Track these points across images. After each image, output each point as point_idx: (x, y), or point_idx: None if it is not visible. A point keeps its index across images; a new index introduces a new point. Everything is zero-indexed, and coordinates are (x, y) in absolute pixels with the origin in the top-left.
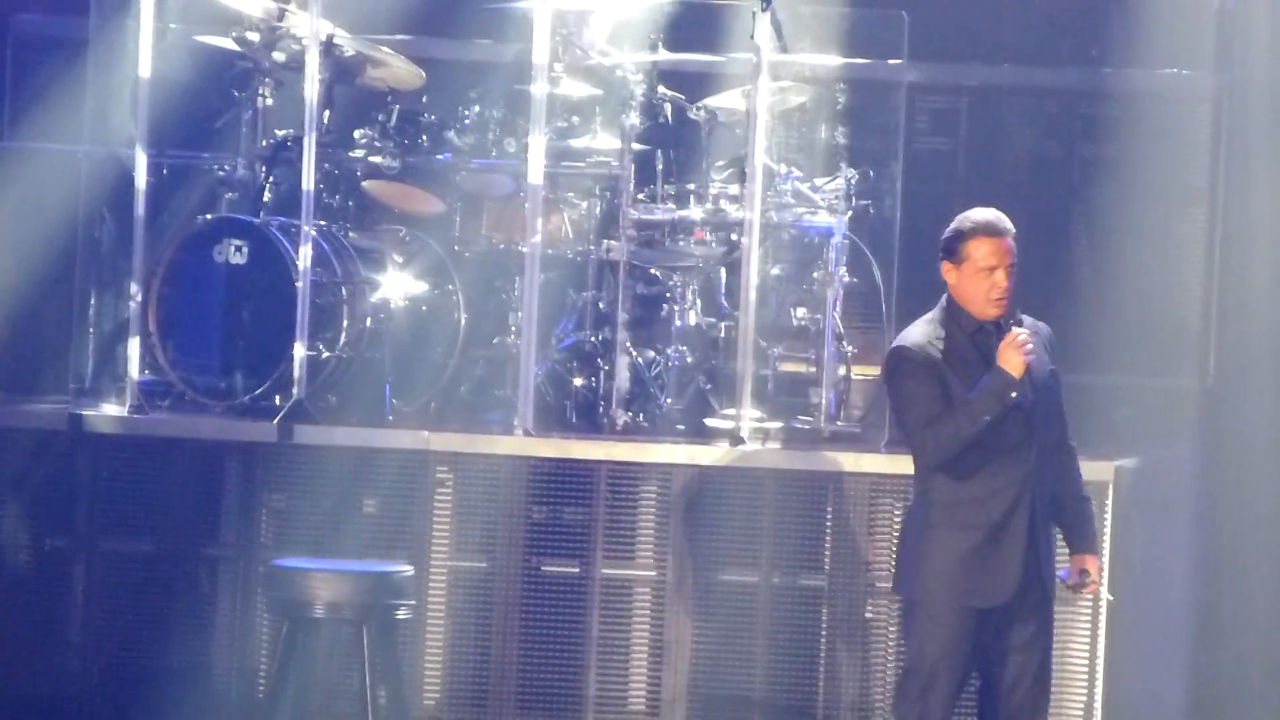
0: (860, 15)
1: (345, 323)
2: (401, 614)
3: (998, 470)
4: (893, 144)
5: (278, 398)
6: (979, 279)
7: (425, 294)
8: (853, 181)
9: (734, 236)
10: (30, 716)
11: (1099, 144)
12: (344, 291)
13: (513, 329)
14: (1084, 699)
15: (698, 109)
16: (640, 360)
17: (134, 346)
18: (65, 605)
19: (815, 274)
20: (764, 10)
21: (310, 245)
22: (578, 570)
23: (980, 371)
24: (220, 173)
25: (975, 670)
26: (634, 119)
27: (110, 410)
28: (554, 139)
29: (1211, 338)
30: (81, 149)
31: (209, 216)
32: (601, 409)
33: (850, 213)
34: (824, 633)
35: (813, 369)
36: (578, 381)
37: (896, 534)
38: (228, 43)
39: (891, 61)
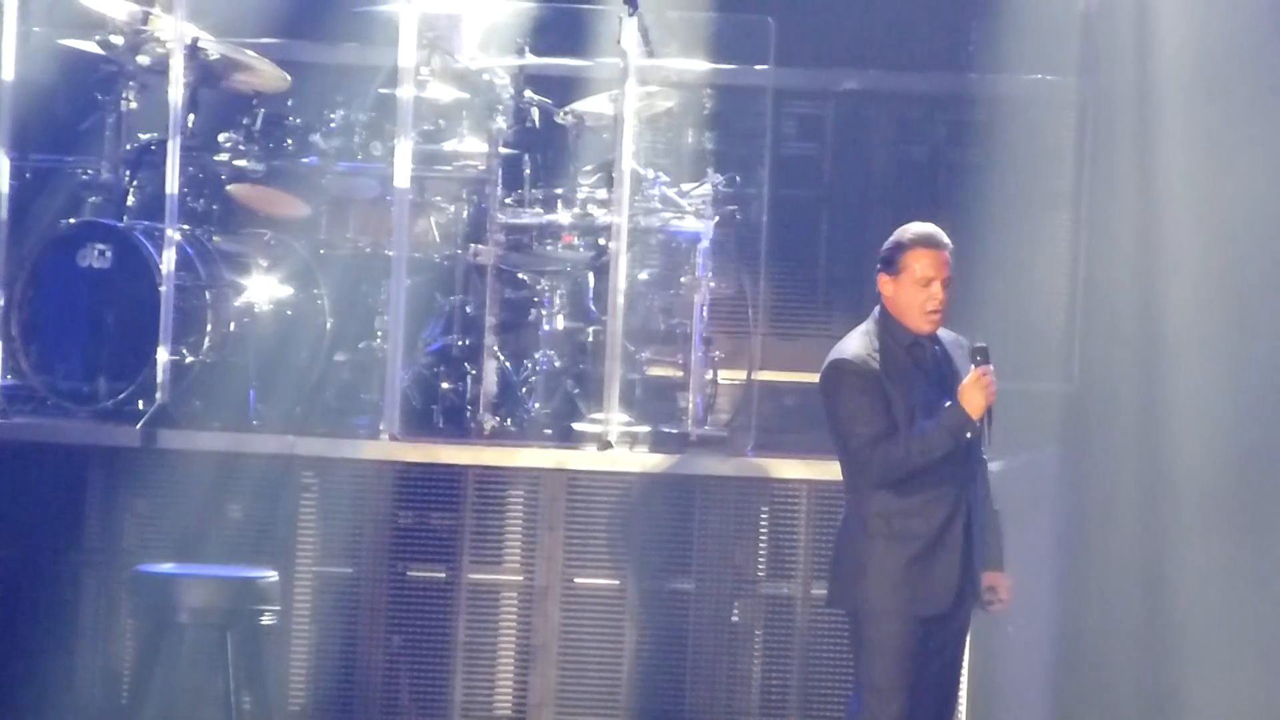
0: (727, 21)
1: (209, 327)
2: (266, 620)
3: (937, 482)
4: (759, 149)
5: (141, 402)
6: (916, 291)
7: (290, 298)
8: (720, 186)
9: (602, 241)
10: None
11: (964, 149)
12: (208, 295)
13: (379, 333)
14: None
15: (565, 113)
16: (508, 365)
17: None
18: None
19: (683, 279)
20: (630, 15)
21: (174, 249)
22: (444, 575)
23: (917, 384)
24: (84, 176)
25: None
26: (501, 123)
27: None
28: (421, 143)
29: (1075, 342)
30: None
31: (72, 220)
32: (469, 413)
33: (717, 218)
34: (691, 637)
35: (680, 373)
36: (445, 386)
37: (764, 537)
38: (92, 46)
39: (758, 67)
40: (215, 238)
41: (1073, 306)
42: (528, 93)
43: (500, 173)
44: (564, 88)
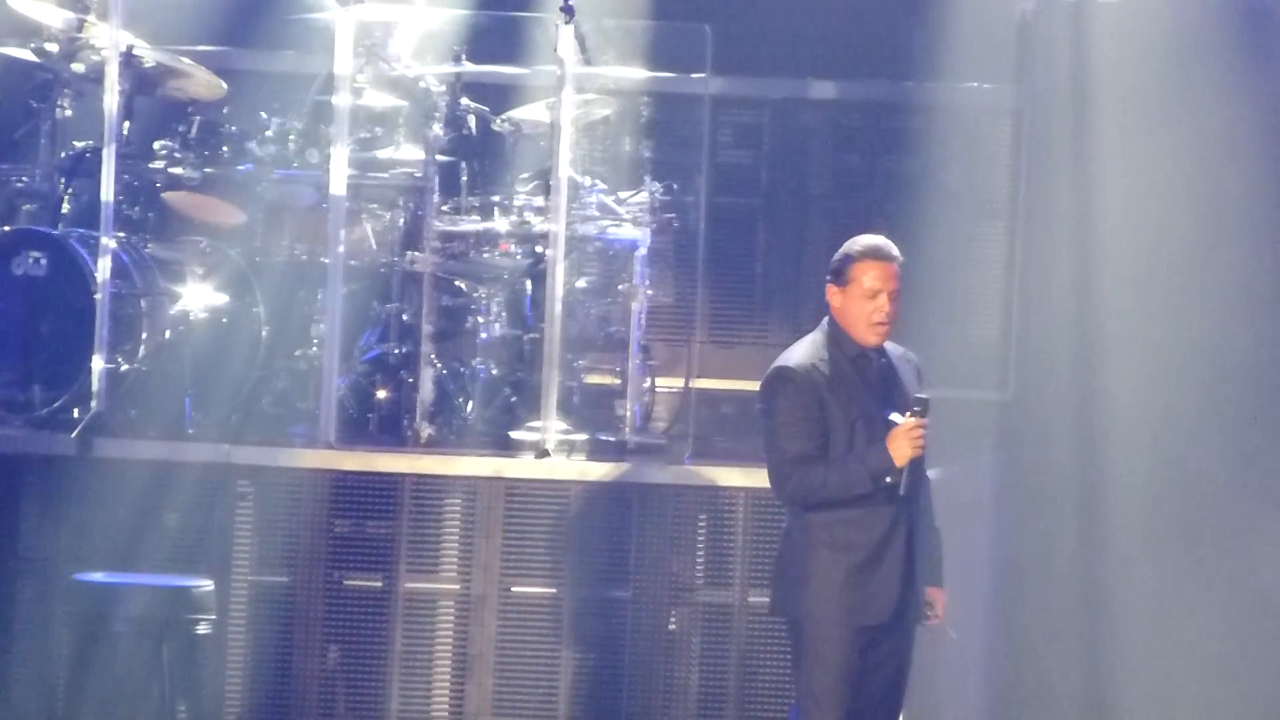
0: (664, 29)
1: (145, 335)
2: (202, 628)
3: (876, 498)
4: (697, 157)
5: (77, 410)
6: (863, 302)
7: (226, 306)
8: (657, 194)
9: (539, 249)
10: None
11: (901, 157)
12: (144, 304)
13: (315, 341)
14: None
15: (502, 121)
16: (445, 373)
17: None
18: None
19: (620, 286)
20: (567, 23)
21: (109, 257)
22: (381, 584)
23: (861, 396)
24: (19, 184)
25: None
26: (438, 130)
27: None
28: (357, 150)
29: (1011, 350)
30: None
31: (7, 228)
32: (406, 422)
33: (655, 225)
34: (629, 645)
35: (618, 381)
36: (382, 394)
37: (701, 545)
38: (26, 54)
39: (695, 75)
40: (151, 245)
41: (1009, 314)
42: (465, 100)
43: (437, 180)
44: (501, 95)
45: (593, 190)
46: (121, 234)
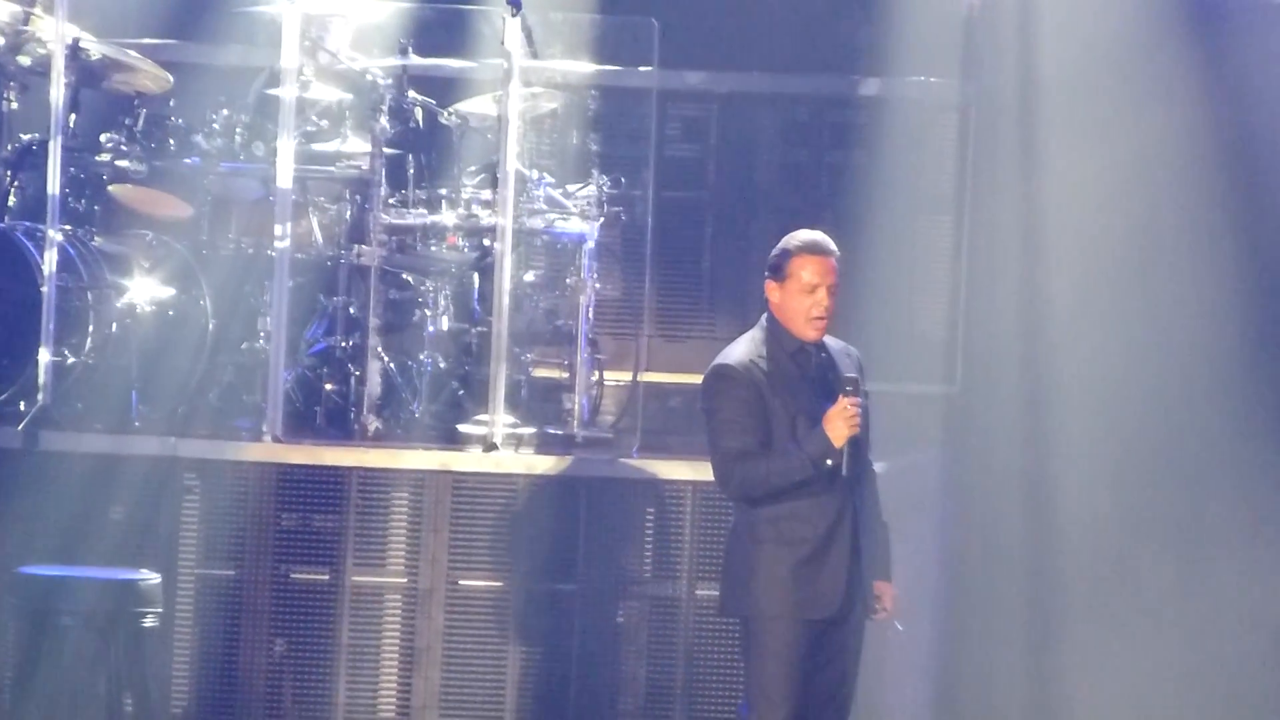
0: (611, 22)
1: (91, 328)
2: (148, 622)
3: (820, 488)
4: (644, 150)
5: (22, 403)
6: (801, 297)
7: (173, 299)
8: (605, 188)
9: (486, 242)
10: None
11: (848, 151)
12: (90, 296)
13: (262, 334)
14: None
15: (449, 114)
16: (392, 366)
17: None
18: None
19: (568, 280)
20: (514, 16)
21: (56, 250)
22: (328, 577)
23: (802, 391)
24: None
25: None
26: (384, 123)
27: None
28: (303, 143)
29: (958, 344)
30: None
31: None
32: (353, 415)
33: (602, 219)
34: (576, 638)
35: (566, 375)
36: (328, 387)
37: (649, 538)
38: None
39: (642, 68)
40: (97, 238)
41: (955, 308)
42: (411, 93)
43: (384, 173)
44: (448, 88)
45: (540, 184)
46: (68, 227)
